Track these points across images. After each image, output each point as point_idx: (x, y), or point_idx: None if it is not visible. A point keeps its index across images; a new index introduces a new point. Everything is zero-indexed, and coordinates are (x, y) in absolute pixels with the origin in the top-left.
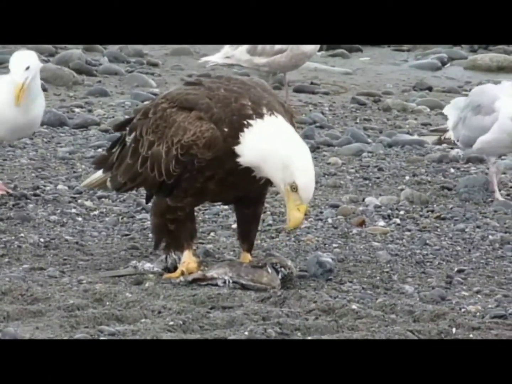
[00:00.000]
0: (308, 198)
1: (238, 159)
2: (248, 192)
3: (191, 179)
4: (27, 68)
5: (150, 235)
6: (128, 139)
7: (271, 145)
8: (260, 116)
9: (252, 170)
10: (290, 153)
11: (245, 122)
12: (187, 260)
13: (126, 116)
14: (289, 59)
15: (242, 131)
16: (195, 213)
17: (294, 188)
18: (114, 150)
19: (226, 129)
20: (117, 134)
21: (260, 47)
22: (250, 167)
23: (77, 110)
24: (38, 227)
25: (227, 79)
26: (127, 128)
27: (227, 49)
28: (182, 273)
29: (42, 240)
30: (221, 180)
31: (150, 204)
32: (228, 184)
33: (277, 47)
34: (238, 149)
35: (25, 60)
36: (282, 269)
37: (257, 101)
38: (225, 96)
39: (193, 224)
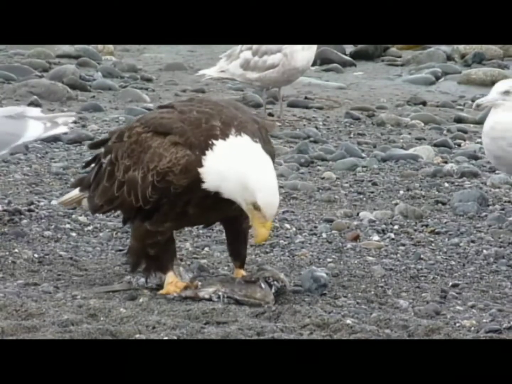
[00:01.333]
0: (272, 214)
1: (203, 184)
2: (229, 212)
3: (170, 204)
4: None
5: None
6: (104, 161)
7: (229, 166)
8: (225, 136)
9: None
10: (248, 173)
11: (210, 143)
12: (173, 279)
13: None
14: (281, 74)
15: (205, 154)
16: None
17: (256, 207)
18: (88, 169)
19: (197, 153)
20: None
21: (253, 61)
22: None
23: (71, 125)
24: (32, 242)
25: (199, 101)
26: (102, 149)
27: (222, 63)
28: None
29: (36, 255)
30: (200, 203)
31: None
32: (207, 206)
33: (269, 62)
34: (201, 172)
35: None
36: (275, 282)
37: (228, 122)
38: (196, 118)
39: (173, 245)
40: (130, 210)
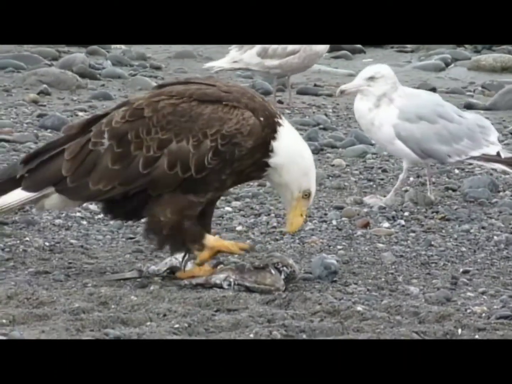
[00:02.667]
0: (310, 204)
1: (271, 158)
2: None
3: (219, 172)
4: None
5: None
6: (103, 144)
7: (299, 151)
8: (282, 118)
9: (265, 168)
10: (311, 161)
11: (277, 120)
12: (214, 238)
13: None
14: (302, 60)
15: (277, 128)
16: None
17: (306, 195)
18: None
19: (262, 119)
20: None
21: (271, 49)
22: (266, 164)
23: (80, 114)
24: (43, 231)
25: (217, 81)
26: (92, 134)
27: (234, 53)
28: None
29: (47, 244)
30: (240, 172)
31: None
32: (241, 178)
33: (290, 48)
34: (275, 145)
35: None
36: (285, 268)
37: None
38: (241, 92)
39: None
40: (169, 184)
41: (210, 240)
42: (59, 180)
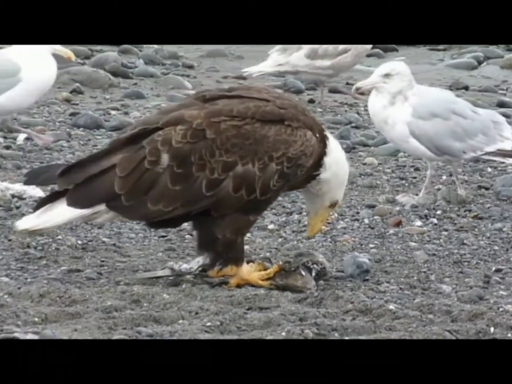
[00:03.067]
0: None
1: (321, 173)
2: None
3: (279, 191)
4: None
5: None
6: (162, 164)
7: (342, 164)
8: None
9: (310, 181)
10: (347, 174)
11: (325, 134)
12: (248, 269)
13: None
14: (353, 58)
15: (326, 143)
16: None
17: (333, 205)
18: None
19: (317, 135)
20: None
21: (321, 49)
22: (313, 178)
23: (113, 112)
24: (76, 229)
25: (264, 91)
26: (148, 152)
27: (277, 56)
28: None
29: (79, 242)
30: (291, 187)
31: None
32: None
33: (341, 47)
34: (326, 160)
35: None
36: (315, 265)
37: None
38: (293, 105)
39: None
40: (233, 206)
41: (245, 269)
42: (112, 197)
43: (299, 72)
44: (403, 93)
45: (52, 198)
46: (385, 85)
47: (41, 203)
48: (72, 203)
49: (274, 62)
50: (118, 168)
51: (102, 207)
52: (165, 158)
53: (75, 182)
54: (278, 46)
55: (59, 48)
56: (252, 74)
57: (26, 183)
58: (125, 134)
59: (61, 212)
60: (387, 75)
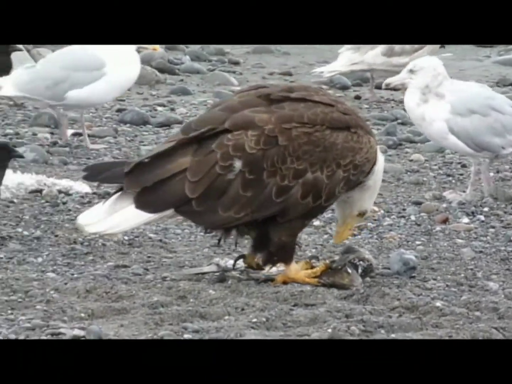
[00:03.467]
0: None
1: (369, 179)
2: None
3: (339, 197)
4: None
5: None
6: (234, 169)
7: (381, 173)
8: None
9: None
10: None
11: (375, 139)
12: (295, 268)
13: None
14: (430, 52)
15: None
16: None
17: (362, 214)
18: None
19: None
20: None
21: (397, 47)
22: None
23: (159, 108)
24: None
25: (320, 92)
26: (219, 157)
27: (350, 55)
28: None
29: (126, 238)
30: None
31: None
32: None
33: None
34: (375, 168)
35: None
36: (361, 262)
37: None
38: (351, 111)
39: None
40: (299, 212)
41: (293, 268)
42: (183, 202)
43: (374, 71)
44: (432, 89)
45: (117, 194)
46: (412, 80)
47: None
48: (141, 206)
49: (348, 61)
50: (189, 172)
51: (170, 211)
52: (237, 164)
53: (144, 185)
54: (349, 45)
55: None
56: (324, 74)
57: (86, 178)
58: (191, 134)
59: (130, 217)
60: (411, 71)
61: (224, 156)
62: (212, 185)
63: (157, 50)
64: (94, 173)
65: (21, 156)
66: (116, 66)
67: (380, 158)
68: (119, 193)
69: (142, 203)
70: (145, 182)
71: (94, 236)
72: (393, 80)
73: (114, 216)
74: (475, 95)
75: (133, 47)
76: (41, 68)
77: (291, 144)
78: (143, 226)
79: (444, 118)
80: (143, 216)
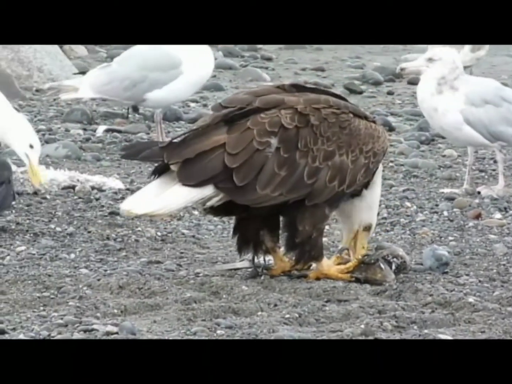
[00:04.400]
0: (370, 236)
1: (372, 180)
2: None
3: (357, 187)
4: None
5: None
6: (273, 144)
7: (379, 184)
8: None
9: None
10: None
11: None
12: (327, 264)
13: None
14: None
15: None
16: None
17: (366, 228)
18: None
19: None
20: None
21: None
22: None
23: (192, 105)
24: (155, 221)
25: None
26: (256, 133)
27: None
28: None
29: (159, 233)
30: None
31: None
32: None
33: None
34: (375, 175)
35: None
36: (395, 259)
37: None
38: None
39: None
40: (324, 196)
41: (325, 264)
42: (223, 177)
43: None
44: (448, 81)
45: (157, 173)
46: (428, 69)
47: (151, 175)
48: (184, 179)
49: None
50: (228, 146)
51: (211, 189)
52: (273, 141)
53: (185, 157)
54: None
55: None
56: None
57: (125, 157)
58: (221, 112)
59: (174, 195)
60: (430, 59)
61: (261, 132)
62: (251, 160)
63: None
64: (132, 152)
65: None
66: (192, 63)
67: (380, 167)
68: (161, 176)
69: (185, 176)
70: (186, 155)
71: (143, 217)
72: (409, 66)
73: (161, 197)
74: (487, 86)
75: None
76: (117, 69)
77: (322, 124)
78: (176, 222)
79: (459, 108)
80: (187, 194)
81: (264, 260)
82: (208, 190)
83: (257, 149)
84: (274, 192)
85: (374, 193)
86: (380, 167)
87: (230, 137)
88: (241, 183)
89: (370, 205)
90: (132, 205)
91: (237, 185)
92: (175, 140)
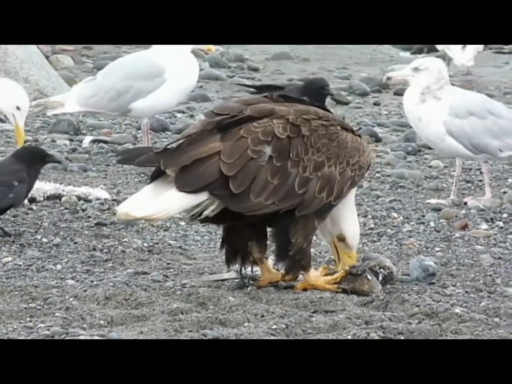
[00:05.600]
0: (356, 244)
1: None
2: None
3: (343, 197)
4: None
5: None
6: (266, 153)
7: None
8: None
9: None
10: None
11: None
12: (315, 275)
13: None
14: None
15: None
16: None
17: (341, 239)
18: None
19: None
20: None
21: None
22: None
23: (179, 115)
24: (142, 231)
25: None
26: (250, 141)
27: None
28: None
29: (145, 244)
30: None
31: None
32: None
33: None
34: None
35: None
36: (382, 270)
37: None
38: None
39: None
40: (313, 207)
41: (312, 275)
42: (218, 184)
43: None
44: (432, 91)
45: (152, 178)
46: (414, 78)
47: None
48: (181, 186)
49: None
50: (223, 155)
51: (207, 195)
52: (267, 150)
53: (182, 164)
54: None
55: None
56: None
57: (121, 162)
58: (214, 119)
59: (172, 200)
60: (416, 69)
61: (255, 141)
62: (246, 168)
63: (212, 51)
64: (128, 157)
65: (58, 162)
66: (175, 71)
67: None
68: (156, 180)
69: (182, 183)
70: (183, 162)
71: (140, 220)
72: (394, 75)
73: (158, 201)
74: (473, 98)
75: (188, 49)
76: (102, 81)
77: (312, 135)
78: (163, 233)
79: (442, 119)
80: (183, 199)
81: (252, 271)
82: (203, 196)
83: (251, 158)
84: (267, 201)
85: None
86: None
87: (225, 145)
88: (237, 191)
89: (333, 217)
90: (129, 208)
91: (232, 193)
92: (170, 146)
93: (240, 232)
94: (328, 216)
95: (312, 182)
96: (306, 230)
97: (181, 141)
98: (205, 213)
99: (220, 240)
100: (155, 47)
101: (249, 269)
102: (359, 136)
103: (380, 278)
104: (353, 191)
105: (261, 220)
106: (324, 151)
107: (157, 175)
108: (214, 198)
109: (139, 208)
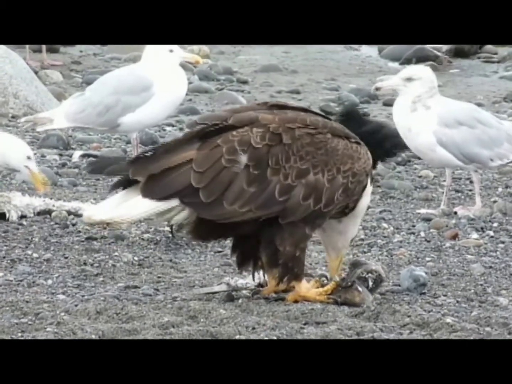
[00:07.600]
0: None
1: (360, 200)
2: None
3: (336, 208)
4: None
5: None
6: (240, 162)
7: (369, 195)
8: None
9: (345, 211)
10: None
11: None
12: (306, 286)
13: None
14: None
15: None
16: None
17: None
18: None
19: None
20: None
21: None
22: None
23: (168, 128)
24: (132, 245)
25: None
26: (225, 151)
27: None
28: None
29: (136, 258)
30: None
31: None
32: None
33: None
34: (367, 188)
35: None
36: (370, 274)
37: None
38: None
39: None
40: (297, 214)
41: (303, 286)
42: (189, 191)
43: None
44: (423, 100)
45: (122, 186)
46: (405, 88)
47: (112, 188)
48: (147, 194)
49: None
50: (195, 163)
51: (176, 202)
52: (243, 158)
53: (150, 173)
54: None
55: (187, 55)
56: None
57: (92, 172)
58: (195, 129)
59: (136, 205)
60: (408, 79)
61: (230, 150)
62: (218, 177)
63: (200, 63)
64: (99, 167)
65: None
66: (164, 84)
67: (366, 200)
68: (126, 188)
69: (148, 191)
70: (151, 170)
71: (100, 225)
72: (384, 85)
73: (121, 206)
74: (462, 108)
75: (177, 62)
76: (90, 96)
77: (294, 143)
78: (153, 246)
79: (431, 129)
80: (149, 205)
81: (255, 278)
82: (173, 203)
83: (224, 167)
84: (242, 208)
85: (366, 204)
86: (367, 200)
87: (198, 153)
88: (208, 200)
89: (360, 216)
90: (92, 212)
91: (202, 201)
92: (142, 155)
93: (250, 238)
94: (336, 231)
95: (296, 189)
96: (294, 237)
97: (156, 149)
98: (177, 218)
99: (213, 253)
100: (143, 61)
101: (240, 281)
102: (358, 143)
103: (370, 283)
104: (364, 207)
105: (247, 229)
106: (308, 159)
107: (128, 183)
108: (184, 206)
109: (102, 212)
